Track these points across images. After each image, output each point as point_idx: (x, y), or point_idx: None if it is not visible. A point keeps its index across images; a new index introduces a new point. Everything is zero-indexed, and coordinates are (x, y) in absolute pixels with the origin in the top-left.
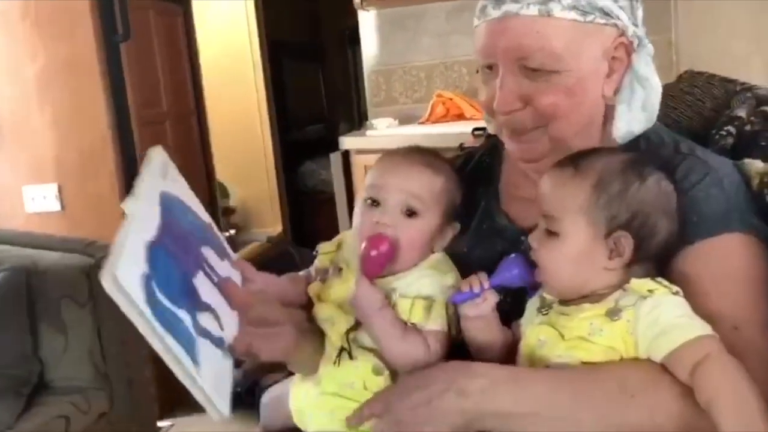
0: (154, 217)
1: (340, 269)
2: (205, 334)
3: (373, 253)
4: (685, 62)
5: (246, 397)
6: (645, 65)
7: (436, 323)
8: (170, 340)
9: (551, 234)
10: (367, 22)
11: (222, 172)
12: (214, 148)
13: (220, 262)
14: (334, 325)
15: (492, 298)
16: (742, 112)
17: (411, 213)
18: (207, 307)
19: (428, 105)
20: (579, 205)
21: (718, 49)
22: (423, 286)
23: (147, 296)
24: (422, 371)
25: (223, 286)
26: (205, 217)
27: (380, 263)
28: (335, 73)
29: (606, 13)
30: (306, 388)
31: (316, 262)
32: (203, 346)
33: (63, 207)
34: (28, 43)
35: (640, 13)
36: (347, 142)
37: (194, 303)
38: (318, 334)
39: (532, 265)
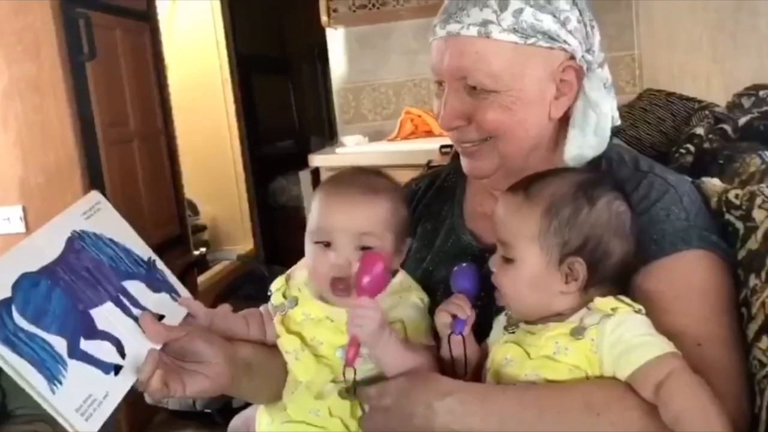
0: (48, 252)
1: (296, 300)
2: (86, 358)
3: (366, 280)
4: (647, 78)
5: (219, 417)
6: (596, 90)
7: (422, 338)
8: (13, 358)
9: (507, 260)
10: (336, 40)
11: (192, 190)
12: (184, 165)
13: (153, 296)
14: (299, 361)
15: (473, 316)
16: (700, 130)
17: (366, 248)
18: (103, 335)
19: (397, 122)
20: (531, 232)
21: (679, 67)
22: (394, 312)
23: None
24: (389, 386)
25: (141, 319)
26: (146, 253)
27: (378, 285)
28: (305, 87)
29: (551, 37)
30: (271, 416)
31: (272, 300)
32: (76, 368)
33: (28, 229)
34: None
35: (596, 38)
36: (317, 159)
37: (80, 330)
38: (274, 366)
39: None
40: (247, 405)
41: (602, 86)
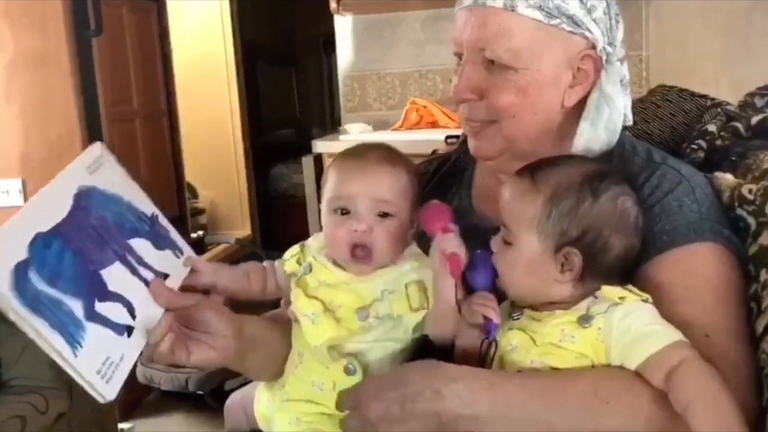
0: (58, 210)
1: (310, 265)
2: (101, 320)
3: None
4: (655, 80)
5: (211, 399)
6: (612, 85)
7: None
8: (37, 322)
9: (507, 243)
10: (343, 27)
11: (191, 173)
12: (185, 149)
13: (157, 253)
14: (314, 324)
15: (493, 302)
16: (713, 127)
17: (385, 215)
18: (115, 297)
19: (402, 112)
20: (531, 218)
21: (688, 69)
22: (410, 275)
23: (15, 281)
24: (397, 371)
25: (151, 285)
26: (149, 208)
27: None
28: (308, 77)
29: (575, 22)
30: (271, 394)
31: (285, 267)
32: (93, 330)
33: (26, 202)
34: None
35: (619, 33)
36: (320, 145)
37: (94, 291)
38: (277, 340)
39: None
40: (240, 387)
41: (618, 82)
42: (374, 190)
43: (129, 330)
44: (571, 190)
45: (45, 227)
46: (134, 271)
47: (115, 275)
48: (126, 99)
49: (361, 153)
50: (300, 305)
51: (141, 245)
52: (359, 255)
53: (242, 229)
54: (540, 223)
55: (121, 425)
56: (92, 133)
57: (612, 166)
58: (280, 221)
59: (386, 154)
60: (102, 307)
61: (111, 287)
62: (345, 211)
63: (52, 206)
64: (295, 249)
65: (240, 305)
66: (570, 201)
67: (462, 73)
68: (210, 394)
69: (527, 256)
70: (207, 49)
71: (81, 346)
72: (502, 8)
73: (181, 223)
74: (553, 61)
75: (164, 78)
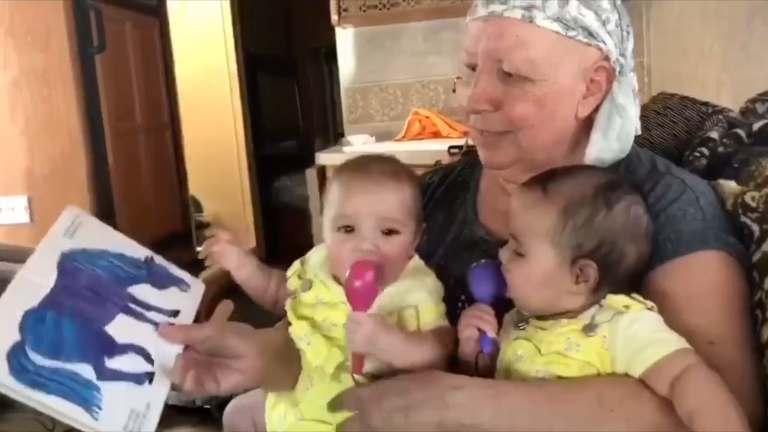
0: (43, 283)
1: (310, 283)
2: (116, 375)
3: (358, 284)
4: (656, 86)
5: (218, 413)
6: (625, 96)
7: (435, 323)
8: (48, 399)
9: (518, 254)
10: (345, 39)
11: (195, 186)
12: (188, 162)
13: (161, 293)
14: (310, 346)
15: (492, 318)
16: (714, 134)
17: (390, 232)
18: (126, 348)
19: (404, 123)
20: (545, 231)
21: (689, 75)
22: (407, 297)
23: (12, 365)
24: (402, 378)
25: (159, 329)
26: (141, 253)
27: (369, 293)
28: (310, 88)
29: (590, 34)
30: (282, 411)
31: (288, 284)
32: (109, 389)
33: (32, 219)
34: (1, 51)
35: (629, 45)
36: (323, 158)
37: (102, 349)
38: (290, 351)
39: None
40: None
41: (631, 92)
42: (379, 208)
43: (150, 376)
44: (585, 201)
45: (33, 303)
46: (141, 317)
47: (121, 327)
48: (129, 114)
49: (364, 167)
50: (293, 330)
51: (142, 290)
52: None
53: (247, 242)
54: (555, 236)
55: None
56: (96, 148)
57: (621, 176)
58: (284, 233)
59: (390, 168)
60: (114, 363)
61: (120, 340)
62: (349, 229)
63: (36, 282)
64: (296, 265)
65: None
66: (585, 213)
67: (477, 84)
68: (216, 408)
69: (542, 269)
70: (209, 62)
71: (100, 408)
72: (521, 19)
73: (186, 237)
74: (569, 73)
75: (167, 92)
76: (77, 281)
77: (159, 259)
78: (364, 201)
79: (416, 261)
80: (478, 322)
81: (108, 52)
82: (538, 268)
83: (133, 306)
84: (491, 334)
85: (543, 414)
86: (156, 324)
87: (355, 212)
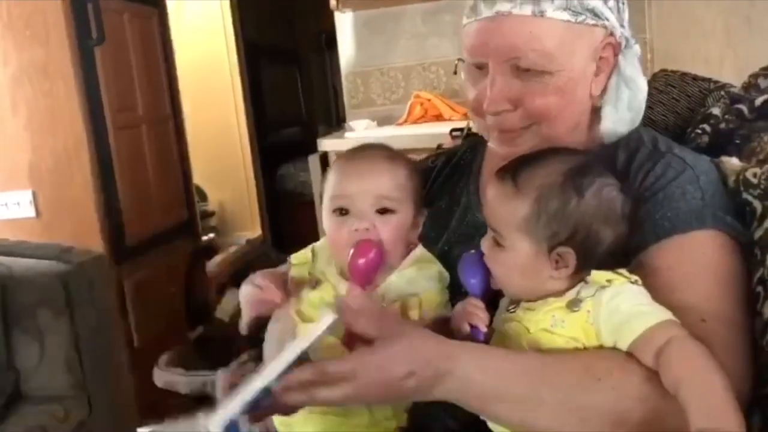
0: None
1: (318, 281)
2: None
3: (361, 261)
4: (659, 62)
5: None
6: (631, 66)
7: (437, 311)
8: None
9: (498, 245)
10: (344, 23)
11: (199, 176)
12: (191, 151)
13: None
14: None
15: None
16: (716, 111)
17: (385, 210)
18: None
19: (406, 106)
20: (520, 223)
21: (692, 51)
22: (411, 285)
23: None
24: (393, 348)
25: None
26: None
27: (370, 271)
28: (312, 75)
29: (596, 14)
30: None
31: (291, 272)
32: None
33: (38, 213)
34: (1, 47)
35: (626, 15)
36: (326, 143)
37: None
38: None
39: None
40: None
41: (636, 61)
42: (372, 186)
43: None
44: (555, 190)
45: None
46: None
47: None
48: (131, 105)
49: (358, 152)
50: (299, 331)
51: None
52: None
53: (252, 229)
54: (530, 227)
55: (140, 430)
56: (99, 141)
57: (591, 157)
58: (289, 220)
59: (383, 152)
60: None
61: None
62: (344, 211)
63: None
64: (306, 256)
65: None
66: (556, 202)
67: (493, 86)
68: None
69: (521, 259)
70: (209, 51)
71: None
72: (531, 15)
73: (191, 226)
74: (582, 57)
75: (168, 82)
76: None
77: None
78: (358, 182)
79: (421, 250)
80: (469, 317)
81: (107, 44)
82: (517, 258)
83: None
84: (483, 328)
85: (531, 379)
86: None
87: (350, 193)
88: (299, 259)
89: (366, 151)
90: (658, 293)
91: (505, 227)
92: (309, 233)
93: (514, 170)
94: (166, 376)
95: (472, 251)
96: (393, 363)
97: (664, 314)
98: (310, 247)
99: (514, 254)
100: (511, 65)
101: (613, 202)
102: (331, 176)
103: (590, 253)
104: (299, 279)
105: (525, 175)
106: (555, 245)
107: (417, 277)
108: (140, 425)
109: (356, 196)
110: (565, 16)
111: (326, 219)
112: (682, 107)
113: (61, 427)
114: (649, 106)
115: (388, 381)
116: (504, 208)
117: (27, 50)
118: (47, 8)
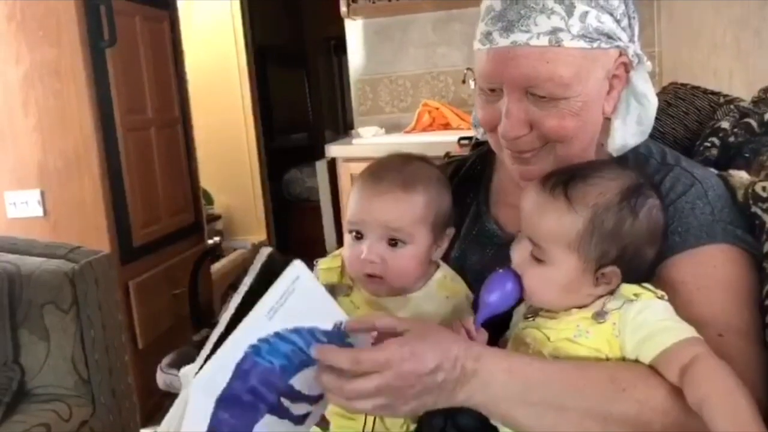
0: (219, 380)
1: (349, 287)
2: None
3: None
4: (668, 75)
5: None
6: (643, 81)
7: None
8: None
9: (538, 260)
10: (354, 31)
11: (206, 179)
12: (199, 155)
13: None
14: None
15: (482, 337)
16: (725, 124)
17: (396, 242)
18: None
19: (414, 114)
20: (570, 241)
21: (701, 63)
22: (428, 308)
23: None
24: (424, 341)
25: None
26: (334, 317)
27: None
28: (320, 80)
29: (610, 37)
30: None
31: (320, 277)
32: None
33: (45, 213)
34: (13, 46)
35: (637, 29)
36: (334, 150)
37: None
38: None
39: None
40: None
41: (647, 77)
42: (384, 218)
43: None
44: (612, 210)
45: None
46: (285, 414)
47: (264, 427)
48: (141, 108)
49: (377, 174)
50: None
51: (305, 377)
52: (373, 281)
53: (258, 234)
54: (581, 246)
55: (142, 431)
56: (108, 142)
57: (639, 174)
58: (295, 225)
59: (401, 177)
60: None
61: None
62: (359, 235)
63: (215, 377)
64: (335, 261)
65: None
66: (611, 222)
67: (509, 113)
68: None
69: (566, 277)
70: (218, 55)
71: None
72: (548, 45)
73: (197, 229)
74: (597, 80)
75: (177, 85)
76: (245, 383)
77: (348, 322)
78: (369, 209)
79: (443, 272)
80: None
81: (119, 46)
82: (560, 275)
83: (284, 401)
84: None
85: (554, 387)
86: (297, 417)
87: (361, 220)
88: (327, 263)
89: (385, 172)
90: (673, 306)
91: (551, 242)
92: (314, 238)
93: (563, 183)
94: (167, 378)
95: (500, 270)
96: (425, 354)
97: (688, 331)
98: (338, 252)
99: (556, 270)
100: (526, 92)
101: (660, 222)
102: (353, 193)
103: (633, 272)
104: (327, 282)
105: (577, 192)
106: (603, 264)
107: (443, 306)
108: (142, 426)
109: (368, 225)
110: (582, 44)
111: (345, 234)
112: (691, 120)
113: (65, 426)
114: (657, 118)
115: (420, 372)
116: (553, 223)
117: (39, 50)
118: (60, 9)
